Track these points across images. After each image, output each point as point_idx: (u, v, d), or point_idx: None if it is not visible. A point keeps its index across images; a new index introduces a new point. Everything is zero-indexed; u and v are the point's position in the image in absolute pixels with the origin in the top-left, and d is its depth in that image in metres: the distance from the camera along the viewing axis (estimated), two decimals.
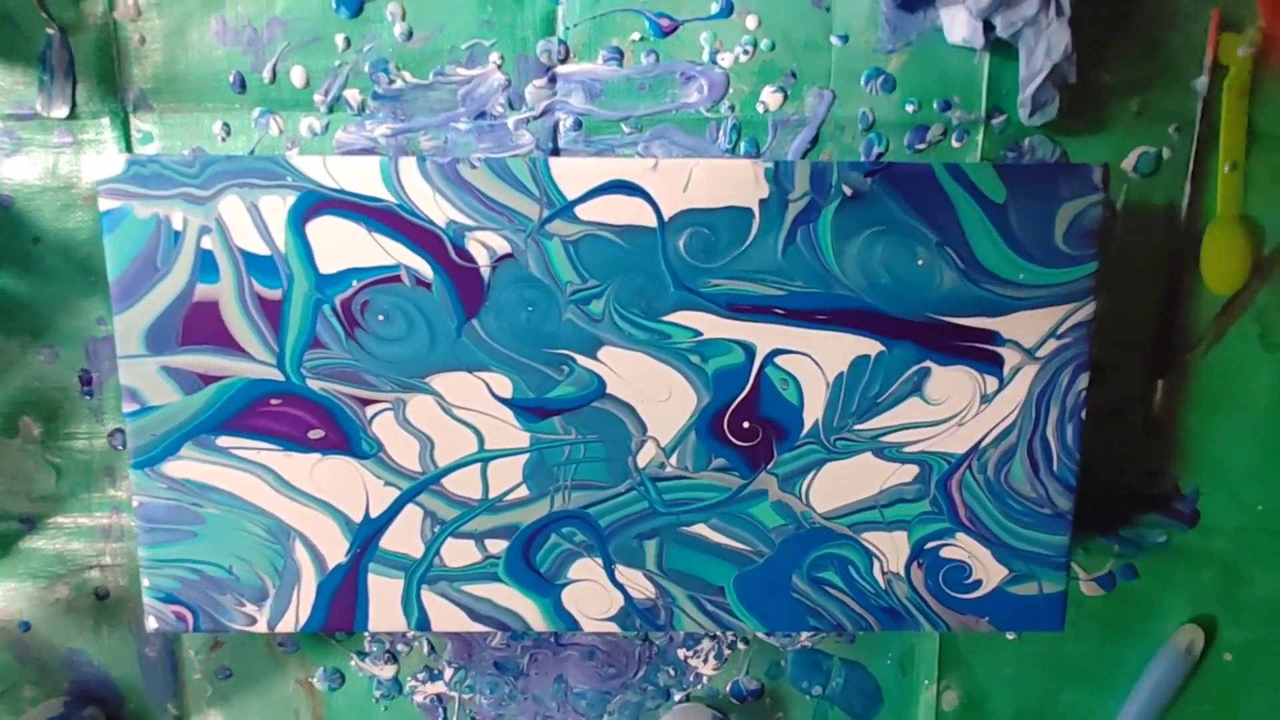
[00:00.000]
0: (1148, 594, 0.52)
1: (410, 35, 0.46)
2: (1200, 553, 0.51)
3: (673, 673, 0.53)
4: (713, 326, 0.41)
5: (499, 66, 0.47)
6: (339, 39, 0.46)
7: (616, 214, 0.40)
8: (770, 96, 0.47)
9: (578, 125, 0.47)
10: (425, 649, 0.53)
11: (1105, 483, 0.50)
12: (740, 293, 0.40)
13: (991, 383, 0.41)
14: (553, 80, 0.47)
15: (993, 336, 0.41)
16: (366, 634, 0.52)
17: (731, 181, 0.39)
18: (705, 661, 0.52)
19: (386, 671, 0.52)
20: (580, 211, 0.40)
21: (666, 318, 0.40)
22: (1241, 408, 0.50)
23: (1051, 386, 0.41)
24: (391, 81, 0.46)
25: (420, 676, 0.53)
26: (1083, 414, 0.41)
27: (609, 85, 0.47)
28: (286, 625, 0.43)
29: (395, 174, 0.39)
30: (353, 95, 0.46)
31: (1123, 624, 0.52)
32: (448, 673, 0.52)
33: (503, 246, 0.40)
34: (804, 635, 0.52)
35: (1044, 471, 0.42)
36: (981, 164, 0.40)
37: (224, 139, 0.47)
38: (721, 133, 0.47)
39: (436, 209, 0.40)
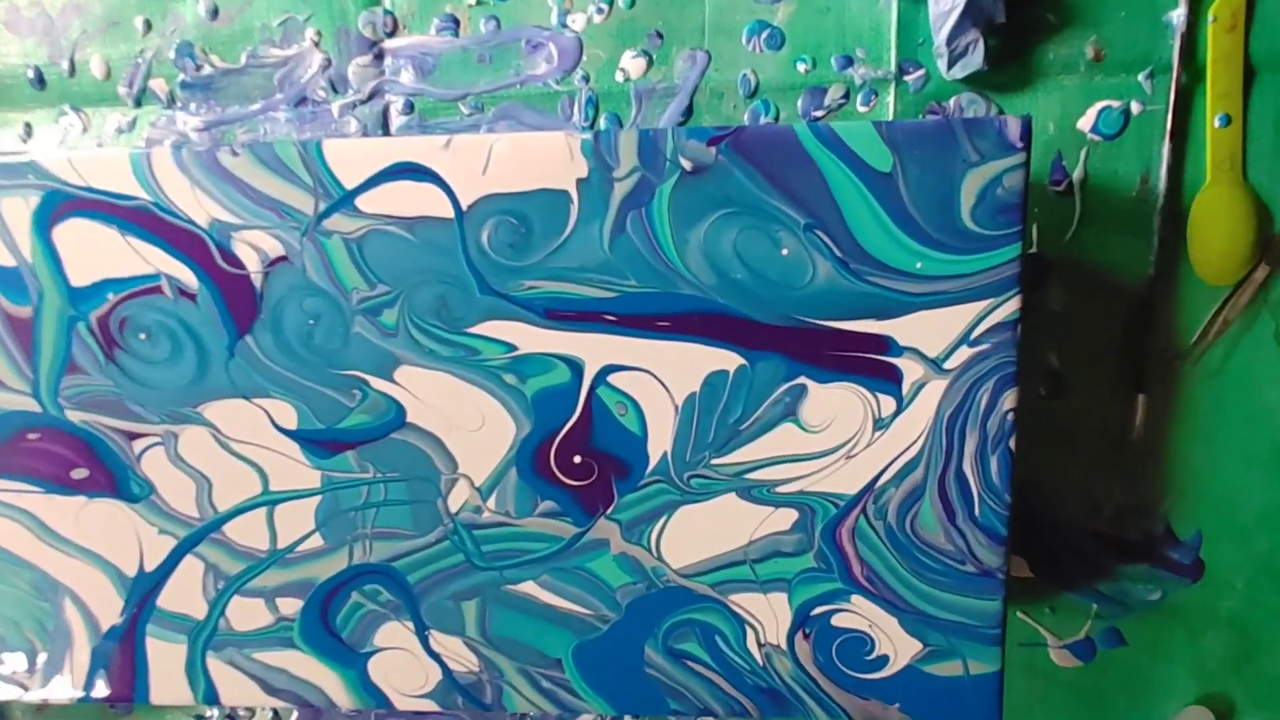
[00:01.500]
0: (1139, 665, 0.41)
1: (216, 13, 0.40)
2: (1205, 613, 0.40)
3: None
4: (530, 339, 0.33)
5: (317, 44, 0.40)
6: (138, 22, 0.41)
7: (406, 204, 0.33)
8: (631, 62, 0.39)
9: (409, 108, 0.41)
10: (269, 715, 0.47)
11: (1072, 526, 0.40)
12: (561, 296, 0.32)
13: (887, 404, 0.32)
14: (379, 57, 0.40)
15: (885, 344, 0.32)
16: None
17: (541, 158, 0.31)
18: None
19: None
20: (362, 203, 0.33)
21: (473, 329, 0.33)
22: (1249, 427, 0.38)
23: (966, 407, 0.32)
24: (199, 67, 0.41)
25: None
26: (1011, 442, 0.32)
27: (443, 59, 0.40)
28: (59, 693, 0.37)
29: (148, 167, 0.34)
30: (159, 85, 0.41)
31: (1107, 703, 0.42)
32: None
33: (275, 248, 0.33)
34: None
35: (962, 517, 0.33)
36: (859, 123, 0.31)
37: (25, 140, 0.42)
38: (576, 108, 0.39)
39: (197, 206, 0.34)
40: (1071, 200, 0.38)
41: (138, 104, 0.41)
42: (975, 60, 0.36)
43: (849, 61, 0.38)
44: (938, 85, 0.38)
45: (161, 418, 0.34)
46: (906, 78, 0.38)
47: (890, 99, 0.38)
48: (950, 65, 0.37)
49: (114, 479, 0.35)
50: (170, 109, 0.41)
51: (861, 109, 0.38)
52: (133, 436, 0.35)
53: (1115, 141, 0.38)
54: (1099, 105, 0.38)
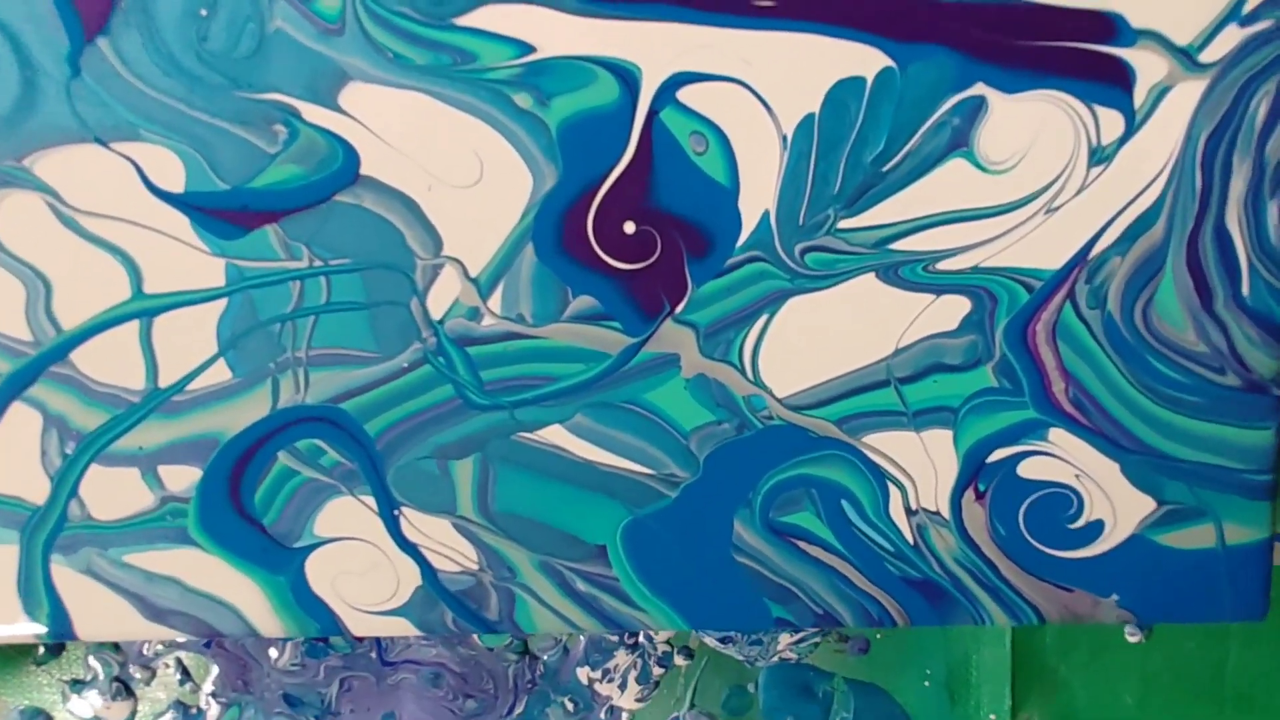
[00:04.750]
0: None
1: None
2: None
3: (571, 706, 0.34)
4: (555, 34, 0.22)
5: None
6: None
7: None
8: None
9: None
10: (176, 674, 0.35)
11: None
12: None
13: (1110, 124, 0.22)
14: None
15: (1109, 27, 0.22)
16: (86, 651, 0.34)
17: None
18: (622, 687, 0.34)
19: (116, 713, 0.35)
20: None
21: (463, 19, 0.22)
22: None
23: (1232, 124, 0.22)
24: None
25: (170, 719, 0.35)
26: None
27: None
28: None
29: None
30: None
31: None
32: (213, 712, 0.35)
33: None
34: (782, 640, 0.33)
35: (1222, 300, 0.23)
36: None
37: None
38: None
39: None
40: None
41: None
42: None
43: None
44: None
45: None
46: None
47: None
48: None
49: None
50: None
51: None
52: None
53: None
54: None
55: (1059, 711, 0.32)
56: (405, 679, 0.33)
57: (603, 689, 0.33)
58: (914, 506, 0.23)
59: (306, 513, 0.23)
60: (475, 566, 0.23)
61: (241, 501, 0.23)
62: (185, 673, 0.34)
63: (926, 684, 0.32)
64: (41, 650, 0.34)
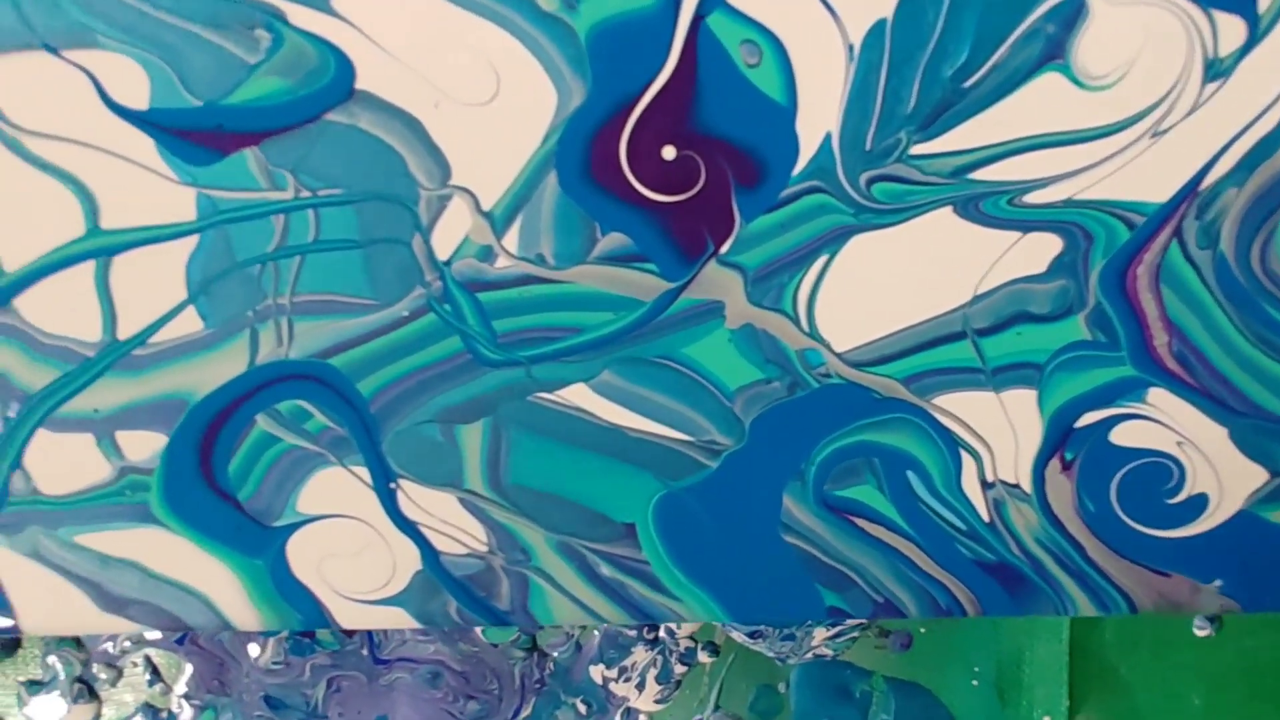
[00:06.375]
0: None
1: None
2: None
3: (583, 709, 0.31)
4: None
5: None
6: None
7: None
8: None
9: None
10: (144, 674, 0.32)
11: None
12: None
13: (1230, 31, 0.19)
14: None
15: None
16: (44, 648, 0.31)
17: None
18: (640, 687, 0.31)
19: (77, 717, 0.32)
20: None
21: None
22: None
23: None
24: None
25: None
26: None
27: None
28: None
29: None
30: None
31: None
32: (186, 715, 0.32)
33: None
34: (817, 635, 0.30)
35: None
36: None
37: None
38: None
39: None
40: None
41: None
42: None
43: None
44: None
45: None
46: None
47: None
48: None
49: None
50: None
51: None
52: None
53: None
54: None
55: (1119, 714, 0.30)
56: (400, 679, 0.30)
57: (618, 689, 0.30)
58: (990, 478, 0.20)
59: (289, 486, 0.20)
60: (484, 548, 0.20)
61: (213, 473, 0.20)
62: (155, 672, 0.31)
63: (974, 683, 0.30)
64: None
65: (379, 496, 0.20)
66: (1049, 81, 0.18)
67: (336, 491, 0.20)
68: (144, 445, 0.20)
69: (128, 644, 0.31)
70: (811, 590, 0.20)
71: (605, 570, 0.20)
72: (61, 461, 0.20)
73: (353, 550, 0.20)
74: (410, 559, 0.20)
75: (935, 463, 0.20)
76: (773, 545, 0.20)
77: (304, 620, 0.20)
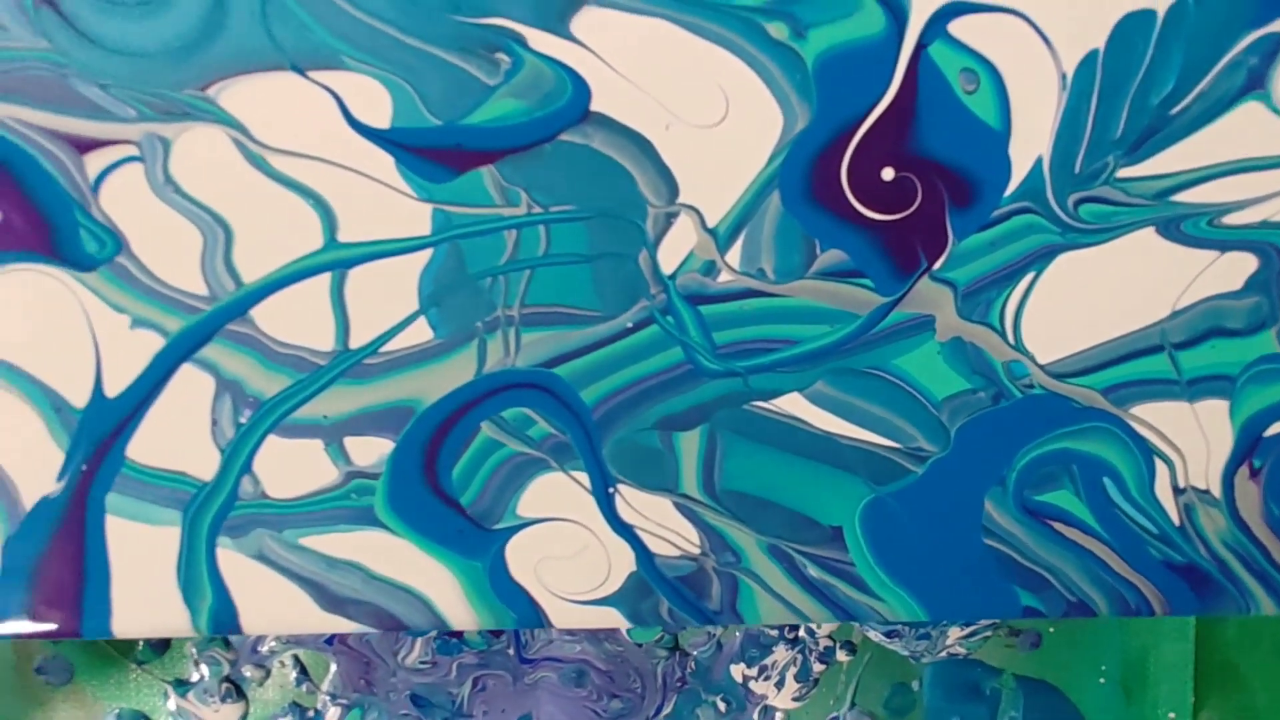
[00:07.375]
0: None
1: None
2: None
3: (723, 706, 0.32)
4: None
5: None
6: None
7: None
8: None
9: None
10: (292, 672, 0.32)
11: None
12: None
13: None
14: None
15: None
16: (191, 648, 0.31)
17: None
18: (779, 685, 0.32)
19: (224, 717, 0.32)
20: None
21: None
22: None
23: None
24: None
25: None
26: None
27: None
28: None
29: None
30: None
31: None
32: (331, 714, 0.32)
33: None
34: (952, 634, 0.31)
35: None
36: None
37: None
38: None
39: None
40: None
41: None
42: None
43: None
44: None
45: (140, 109, 0.20)
46: None
47: None
48: None
49: (48, 229, 0.21)
50: None
51: None
52: (85, 147, 0.20)
53: None
54: None
55: (1241, 711, 0.31)
56: (545, 677, 0.31)
57: (758, 687, 0.31)
58: (1182, 484, 0.21)
59: (510, 491, 0.21)
60: (697, 550, 0.21)
61: (437, 478, 0.21)
62: (303, 671, 0.31)
63: (1101, 680, 0.31)
64: (142, 646, 0.32)
65: (597, 501, 0.21)
66: (1249, 110, 0.19)
67: (556, 496, 0.21)
68: (370, 451, 0.21)
69: (275, 643, 0.32)
70: (1009, 590, 0.21)
71: (813, 571, 0.21)
72: (290, 466, 0.20)
73: (570, 552, 0.21)
74: (625, 561, 0.21)
75: (1130, 469, 0.21)
76: (973, 547, 0.21)
77: (518, 619, 0.21)
